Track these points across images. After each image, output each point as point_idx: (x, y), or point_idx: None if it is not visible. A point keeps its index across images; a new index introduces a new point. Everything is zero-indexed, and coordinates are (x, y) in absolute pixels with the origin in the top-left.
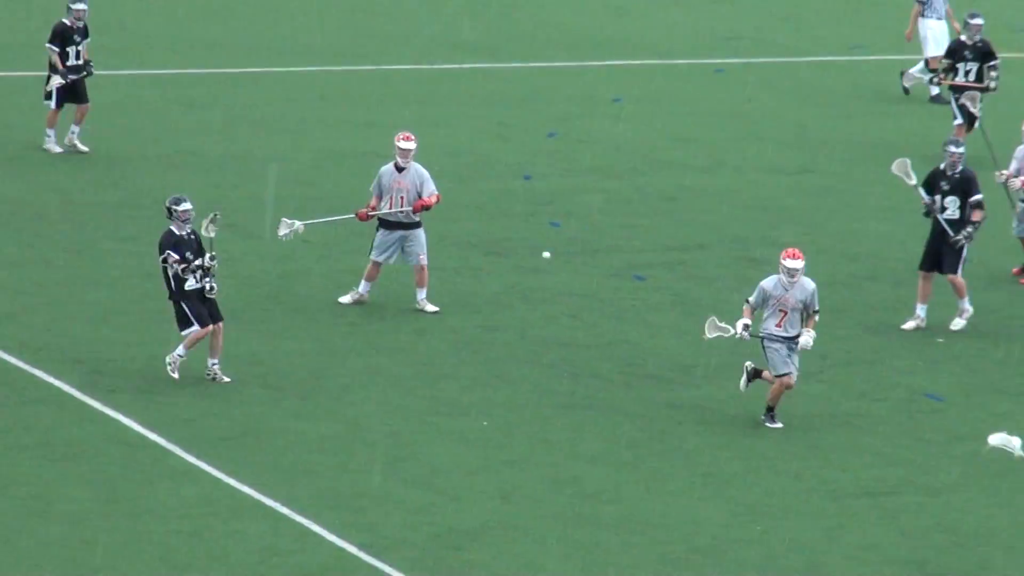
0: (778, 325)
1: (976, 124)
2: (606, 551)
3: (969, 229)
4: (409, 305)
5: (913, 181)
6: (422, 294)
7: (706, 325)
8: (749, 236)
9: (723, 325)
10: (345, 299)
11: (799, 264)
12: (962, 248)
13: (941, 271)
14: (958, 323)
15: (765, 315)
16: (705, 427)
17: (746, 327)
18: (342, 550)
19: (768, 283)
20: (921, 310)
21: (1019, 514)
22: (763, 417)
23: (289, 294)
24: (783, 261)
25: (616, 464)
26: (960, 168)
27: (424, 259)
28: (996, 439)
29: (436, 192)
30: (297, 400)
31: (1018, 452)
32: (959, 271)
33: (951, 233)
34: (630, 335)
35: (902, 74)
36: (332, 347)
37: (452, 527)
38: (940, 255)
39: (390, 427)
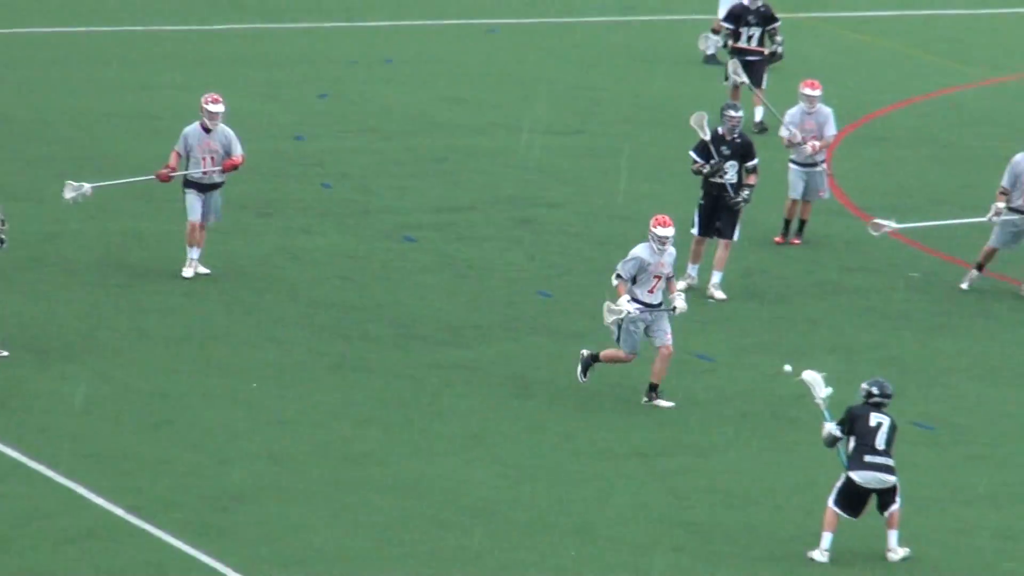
0: (650, 292)
1: (761, 86)
2: (375, 512)
3: (747, 192)
4: (179, 267)
5: (707, 136)
6: (195, 253)
7: (604, 311)
8: (520, 197)
9: (616, 308)
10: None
11: (670, 232)
12: (739, 211)
13: (721, 236)
14: (716, 288)
15: (636, 286)
16: (475, 388)
17: (630, 301)
18: (109, 512)
19: (642, 252)
20: (693, 270)
21: (788, 475)
22: (647, 399)
23: (57, 256)
24: (653, 229)
25: (385, 426)
26: (739, 132)
27: (214, 220)
28: (809, 376)
29: (243, 153)
30: (64, 362)
31: (818, 399)
32: (735, 236)
33: (731, 195)
34: (400, 297)
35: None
36: (101, 309)
37: (221, 489)
38: (717, 219)
39: (159, 389)
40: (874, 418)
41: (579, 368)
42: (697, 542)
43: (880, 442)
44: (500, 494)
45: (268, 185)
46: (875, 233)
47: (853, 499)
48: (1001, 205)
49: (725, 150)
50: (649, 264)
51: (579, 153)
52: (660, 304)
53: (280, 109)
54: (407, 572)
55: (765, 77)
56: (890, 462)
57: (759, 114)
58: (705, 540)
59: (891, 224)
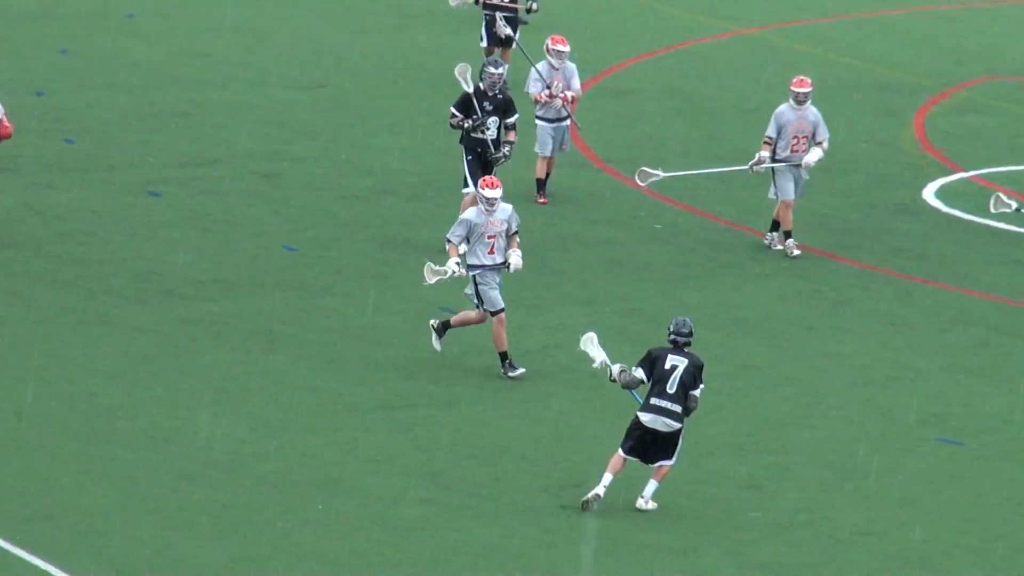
0: (490, 252)
1: (513, 45)
2: (122, 466)
3: (507, 148)
4: None
5: (470, 88)
6: None
7: (425, 271)
8: (263, 151)
9: (440, 268)
10: None
11: (497, 193)
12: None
13: None
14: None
15: (472, 248)
16: (220, 342)
17: (458, 263)
18: None
19: (470, 215)
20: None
21: (533, 425)
22: (503, 371)
23: None
24: (481, 191)
25: (132, 380)
26: (500, 88)
27: None
28: (588, 345)
29: (9, 124)
30: None
31: (596, 364)
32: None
33: (492, 151)
34: (145, 251)
35: None
36: None
37: None
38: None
39: None
40: (671, 360)
41: (433, 338)
42: (443, 494)
43: (671, 385)
44: (247, 448)
45: (9, 141)
46: (642, 182)
47: (637, 441)
48: (765, 154)
49: (487, 106)
50: (478, 225)
51: (324, 107)
52: (501, 264)
53: (20, 64)
54: (154, 525)
55: (518, 36)
56: (677, 408)
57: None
58: (451, 492)
59: (659, 173)
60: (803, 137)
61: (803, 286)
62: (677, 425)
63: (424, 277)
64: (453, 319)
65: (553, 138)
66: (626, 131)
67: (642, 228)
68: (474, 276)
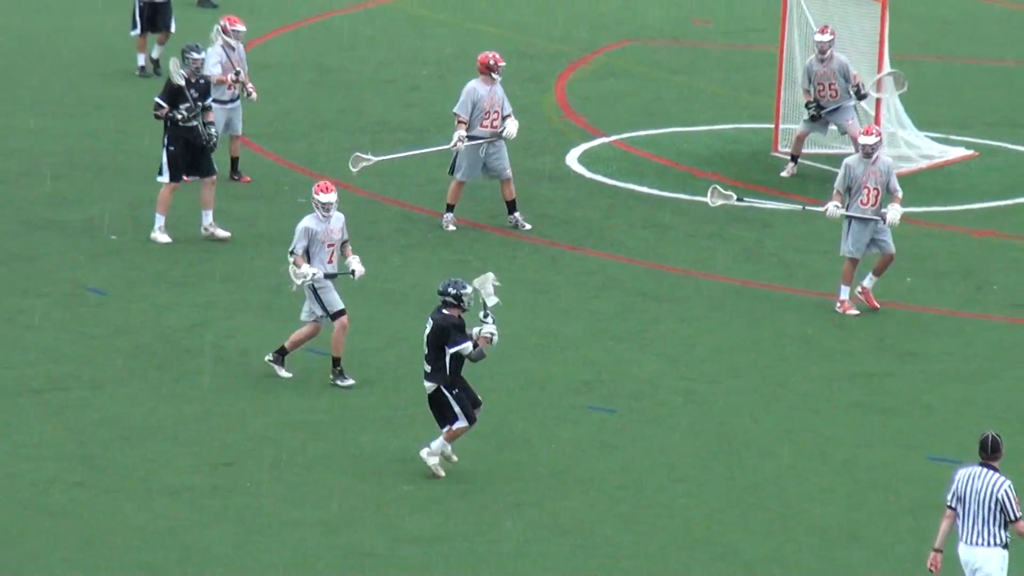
0: (329, 261)
1: (171, 29)
2: None
3: (213, 129)
4: None
5: (182, 81)
6: None
7: (290, 275)
8: None
9: (300, 271)
10: None
11: (333, 198)
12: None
13: (205, 175)
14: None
15: (311, 257)
16: None
17: (315, 275)
18: None
19: (308, 222)
20: (161, 221)
21: (183, 404)
22: (332, 378)
23: None
24: (316, 196)
25: None
26: (200, 73)
27: None
28: (481, 282)
29: None
30: None
31: (492, 298)
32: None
33: (206, 136)
34: None
35: None
36: None
37: None
38: (193, 161)
39: None
40: (428, 323)
41: (276, 369)
42: (96, 476)
43: (424, 346)
44: None
45: None
46: (354, 168)
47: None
48: (463, 132)
49: (193, 92)
50: (318, 233)
51: None
52: (337, 273)
53: None
54: None
55: (172, 19)
56: (427, 368)
57: (141, 60)
58: (104, 474)
59: (370, 157)
60: (495, 113)
61: (449, 256)
62: (430, 385)
63: (290, 284)
64: (287, 343)
65: (228, 120)
66: (265, 105)
67: (286, 201)
68: (312, 285)
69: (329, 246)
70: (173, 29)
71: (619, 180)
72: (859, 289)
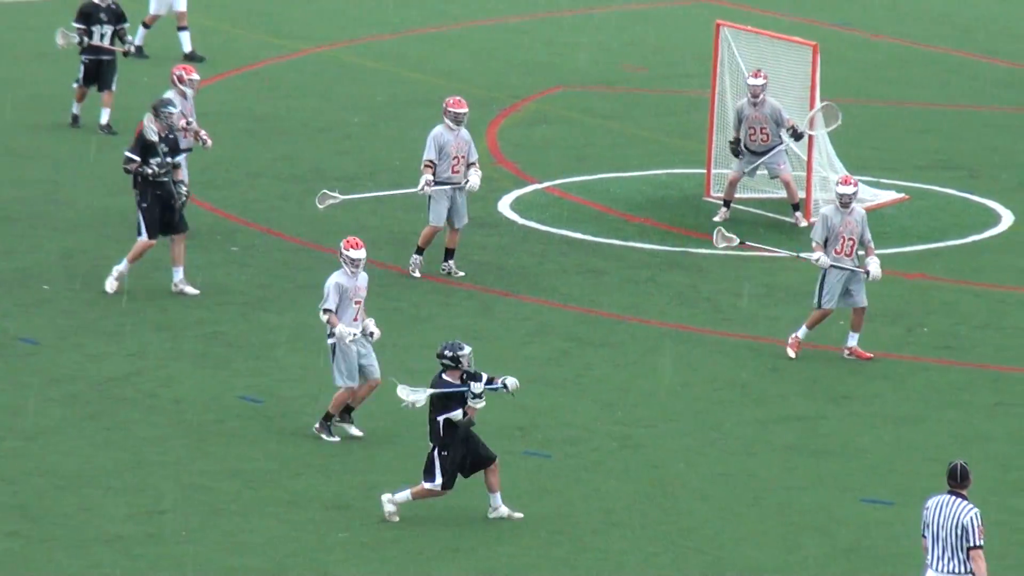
0: (355, 319)
1: (112, 87)
2: None
3: (184, 187)
4: None
5: (156, 137)
6: None
7: (401, 394)
8: None
9: (411, 389)
10: None
11: (362, 254)
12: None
13: (176, 232)
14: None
15: (338, 313)
16: None
17: (361, 331)
18: None
19: (340, 279)
20: (122, 265)
21: (117, 452)
22: (317, 427)
23: None
24: (345, 252)
25: None
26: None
27: None
28: (405, 392)
29: None
30: None
31: (421, 402)
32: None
33: (178, 192)
34: None
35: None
36: None
37: None
38: (168, 217)
39: None
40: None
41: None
42: (30, 526)
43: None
44: None
45: None
46: (321, 205)
47: None
48: (429, 176)
49: (164, 147)
50: (348, 289)
51: None
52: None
53: None
54: None
55: (116, 78)
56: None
57: (76, 108)
58: (38, 524)
59: (337, 196)
60: (461, 158)
61: (381, 304)
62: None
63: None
64: (331, 407)
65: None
66: (198, 154)
67: (219, 250)
68: (334, 344)
69: (356, 303)
70: (114, 88)
71: (552, 226)
72: (846, 352)
